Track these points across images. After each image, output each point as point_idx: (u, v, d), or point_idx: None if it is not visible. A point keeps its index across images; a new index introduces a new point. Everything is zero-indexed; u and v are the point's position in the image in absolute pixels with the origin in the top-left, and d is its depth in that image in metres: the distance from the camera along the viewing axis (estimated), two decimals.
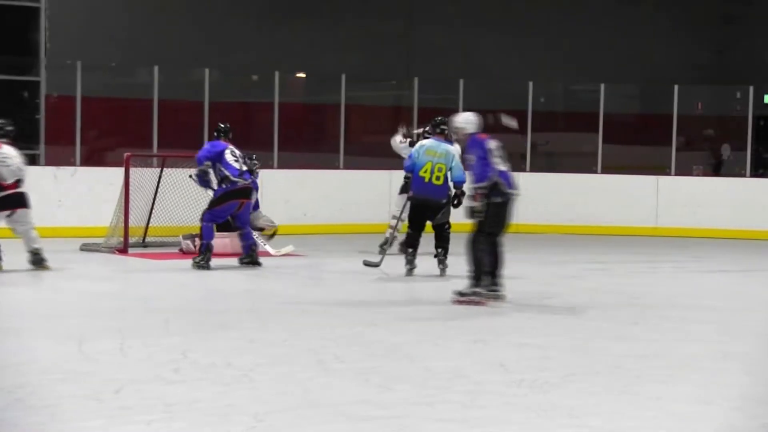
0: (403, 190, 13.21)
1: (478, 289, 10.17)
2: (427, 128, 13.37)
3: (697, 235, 18.22)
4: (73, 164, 16.49)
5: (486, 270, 10.15)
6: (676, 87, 19.18)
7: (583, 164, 19.34)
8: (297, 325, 9.03)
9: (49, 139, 17.29)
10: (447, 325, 9.18)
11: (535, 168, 19.12)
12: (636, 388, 6.95)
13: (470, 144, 10.26)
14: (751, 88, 19.23)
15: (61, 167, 16.19)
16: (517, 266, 14.03)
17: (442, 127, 12.43)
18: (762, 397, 6.97)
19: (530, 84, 19.18)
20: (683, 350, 8.36)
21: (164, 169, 14.67)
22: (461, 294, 10.21)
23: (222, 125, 13.32)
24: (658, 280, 13.00)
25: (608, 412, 6.29)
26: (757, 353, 8.53)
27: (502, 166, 10.16)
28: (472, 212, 10.15)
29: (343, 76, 18.34)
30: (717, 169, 20.45)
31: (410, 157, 12.45)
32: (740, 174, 19.37)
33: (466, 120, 10.50)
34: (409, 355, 7.81)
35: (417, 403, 6.37)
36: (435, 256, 12.64)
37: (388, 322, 9.29)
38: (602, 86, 19.27)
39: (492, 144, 10.19)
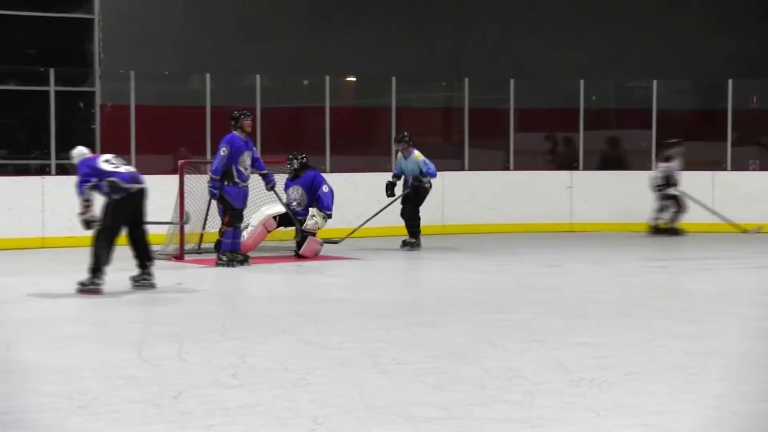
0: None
1: (96, 280, 10.92)
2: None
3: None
4: None
5: (103, 264, 10.93)
6: (729, 81, 19.02)
7: (636, 162, 19.21)
8: (353, 328, 9.05)
9: (105, 148, 17.41)
10: (502, 326, 9.16)
11: (588, 166, 19.02)
12: (696, 386, 6.91)
13: (80, 167, 11.21)
14: None
15: None
16: (571, 265, 14.02)
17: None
18: None
19: (581, 82, 19.09)
20: (743, 347, 8.29)
21: None
22: (82, 284, 10.95)
23: (234, 112, 13.48)
24: (716, 276, 12.90)
25: (668, 411, 6.25)
26: None
27: (121, 169, 11.17)
28: (86, 223, 11.11)
29: (394, 79, 18.36)
30: None
31: None
32: None
33: (78, 154, 11.39)
34: (466, 355, 7.80)
35: (476, 403, 6.36)
36: None
37: (443, 323, 9.28)
38: (654, 82, 19.13)
39: (101, 158, 11.34)
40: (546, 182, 18.74)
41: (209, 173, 13.36)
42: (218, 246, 13.62)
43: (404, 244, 15.61)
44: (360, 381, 6.93)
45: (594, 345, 8.19)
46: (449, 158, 19.15)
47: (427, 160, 15.66)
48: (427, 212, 16.61)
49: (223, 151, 13.15)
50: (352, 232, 15.61)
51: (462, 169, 18.76)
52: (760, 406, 6.40)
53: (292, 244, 14.64)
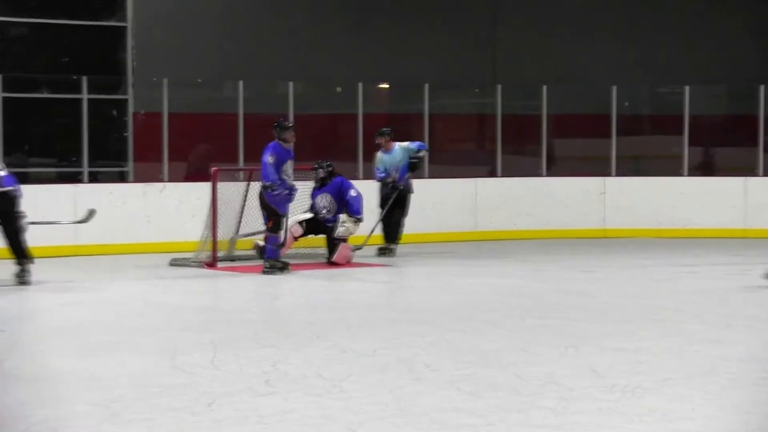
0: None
1: None
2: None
3: None
4: (161, 180, 16.68)
5: None
6: (762, 87, 18.93)
7: (669, 167, 19.14)
8: (386, 334, 9.05)
9: (138, 156, 17.52)
10: (536, 332, 9.14)
11: (621, 172, 18.97)
12: (732, 392, 6.87)
13: None
14: None
15: (150, 183, 16.37)
16: (604, 271, 13.98)
17: None
18: None
19: (614, 88, 19.04)
20: None
21: (250, 182, 14.78)
22: None
23: (280, 121, 13.64)
24: (750, 282, 12.81)
25: (704, 417, 6.23)
26: None
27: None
28: None
29: (426, 86, 18.36)
30: None
31: None
32: None
33: None
34: (500, 361, 7.79)
35: (510, 409, 6.35)
36: None
37: (477, 329, 9.28)
38: (687, 88, 19.07)
39: None
40: (578, 188, 18.67)
41: (262, 182, 13.35)
42: (262, 252, 13.65)
43: (381, 251, 15.42)
44: (394, 387, 6.93)
45: (629, 350, 8.16)
46: (482, 164, 19.15)
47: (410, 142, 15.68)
48: (459, 219, 16.60)
49: (269, 159, 13.20)
50: (368, 238, 15.41)
51: (495, 175, 18.74)
52: None
53: (325, 251, 14.66)
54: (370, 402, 6.54)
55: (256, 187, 14.17)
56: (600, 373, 7.34)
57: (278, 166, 13.24)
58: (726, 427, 6.04)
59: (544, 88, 18.99)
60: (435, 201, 17.49)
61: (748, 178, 18.67)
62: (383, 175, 15.54)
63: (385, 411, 6.34)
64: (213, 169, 14.80)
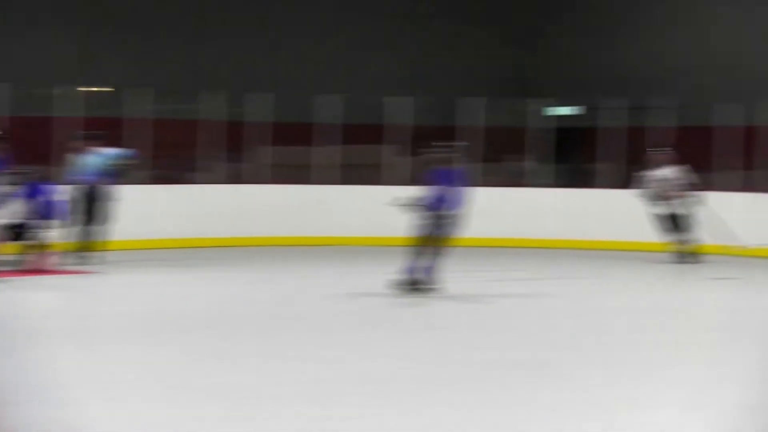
0: None
1: None
2: None
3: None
4: None
5: None
6: (467, 99, 19.44)
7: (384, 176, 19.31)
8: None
9: None
10: None
11: (334, 180, 18.93)
12: None
13: None
14: (537, 101, 19.80)
15: None
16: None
17: None
18: None
19: (318, 97, 19.05)
20: None
21: None
22: None
23: None
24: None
25: None
26: None
27: None
28: None
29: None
30: (517, 178, 20.71)
31: None
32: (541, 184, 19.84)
33: None
34: None
35: None
36: None
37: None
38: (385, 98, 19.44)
39: None
40: (280, 195, 18.53)
41: None
42: None
43: (79, 257, 14.62)
44: None
45: None
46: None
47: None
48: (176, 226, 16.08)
49: None
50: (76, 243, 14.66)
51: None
52: None
53: (18, 258, 13.87)
54: None
55: None
56: None
57: None
58: None
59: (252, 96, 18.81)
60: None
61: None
62: (78, 178, 14.92)
63: None
64: None
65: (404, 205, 11.80)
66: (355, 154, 19.51)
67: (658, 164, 16.32)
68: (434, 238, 11.77)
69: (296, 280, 14.18)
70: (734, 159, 18.38)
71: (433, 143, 12.37)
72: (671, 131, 18.56)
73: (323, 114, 19.31)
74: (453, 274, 12.12)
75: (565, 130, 21.04)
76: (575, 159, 21.20)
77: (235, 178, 18.99)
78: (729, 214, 16.64)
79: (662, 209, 16.18)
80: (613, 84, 21.59)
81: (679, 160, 16.29)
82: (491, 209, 18.70)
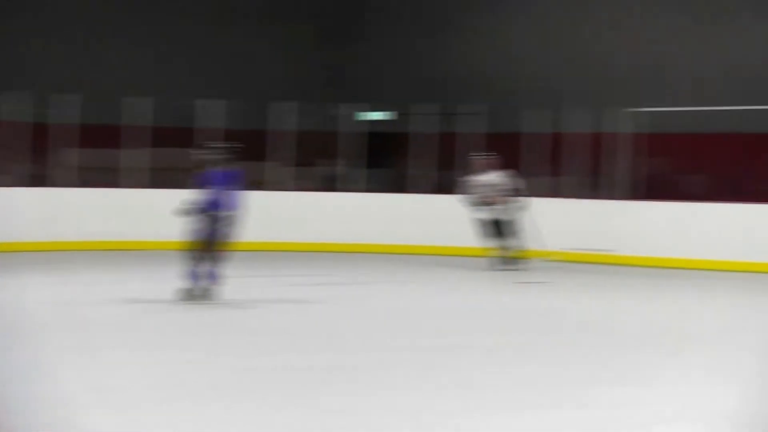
0: None
1: None
2: None
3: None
4: None
5: None
6: (273, 104, 19.28)
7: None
8: None
9: None
10: None
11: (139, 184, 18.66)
12: None
13: None
14: (348, 106, 19.77)
15: None
16: None
17: None
18: None
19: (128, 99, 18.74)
20: None
21: None
22: None
23: None
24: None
25: None
26: None
27: None
28: None
29: None
30: (327, 183, 20.93)
31: None
32: (350, 189, 19.93)
33: None
34: None
35: None
36: None
37: None
38: (200, 102, 19.24)
39: None
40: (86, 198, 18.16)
41: None
42: None
43: None
44: None
45: None
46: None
47: None
48: None
49: None
50: None
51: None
52: None
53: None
54: None
55: None
56: None
57: None
58: None
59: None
60: None
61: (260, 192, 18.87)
62: None
63: None
64: None
65: (184, 210, 11.53)
66: (164, 157, 19.21)
67: (483, 169, 16.22)
68: (212, 242, 11.49)
69: (76, 285, 13.72)
70: (541, 165, 18.71)
71: (207, 144, 12.14)
72: (482, 137, 18.80)
73: (132, 116, 18.96)
74: (256, 279, 11.99)
75: (377, 134, 21.19)
76: (388, 164, 21.35)
77: (40, 180, 18.50)
78: (540, 219, 16.99)
79: (486, 214, 16.12)
80: (427, 89, 21.87)
81: (503, 165, 16.30)
82: (304, 214, 18.82)
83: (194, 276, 11.53)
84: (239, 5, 23.16)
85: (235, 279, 12.01)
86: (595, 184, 18.69)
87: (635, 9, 21.13)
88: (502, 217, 16.06)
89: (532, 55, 21.68)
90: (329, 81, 23.16)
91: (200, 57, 22.35)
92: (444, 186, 18.30)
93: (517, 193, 16.17)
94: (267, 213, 17.30)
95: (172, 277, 11.70)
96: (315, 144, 20.37)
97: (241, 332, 10.19)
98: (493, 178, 16.14)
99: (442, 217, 18.26)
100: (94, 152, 19.13)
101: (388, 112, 22.10)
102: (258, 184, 18.98)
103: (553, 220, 17.48)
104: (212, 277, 11.58)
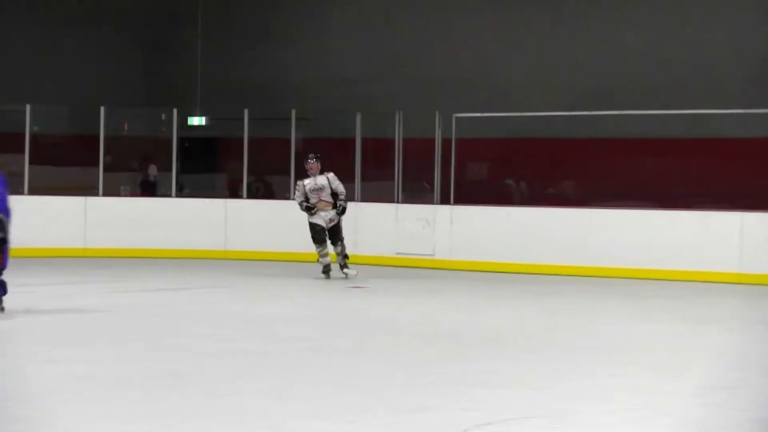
0: None
1: None
2: None
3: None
4: None
5: None
6: (102, 108, 19.20)
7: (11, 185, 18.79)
8: None
9: None
10: None
11: None
12: None
13: None
14: (175, 111, 19.68)
15: None
16: None
17: None
18: None
19: None
20: None
21: None
22: None
23: None
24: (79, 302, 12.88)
25: None
26: None
27: None
28: None
29: None
30: (145, 188, 20.93)
31: None
32: (167, 194, 19.82)
33: None
34: None
35: None
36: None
37: None
38: (28, 106, 18.99)
39: None
40: None
41: None
42: None
43: None
44: None
45: None
46: None
47: None
48: None
49: None
50: None
51: None
52: None
53: None
54: None
55: None
56: None
57: None
58: None
59: None
60: None
61: (88, 197, 19.03)
62: None
63: None
64: None
65: None
66: None
67: (313, 172, 16.17)
68: None
69: None
70: (364, 170, 19.16)
71: None
72: (306, 142, 19.15)
73: None
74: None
75: (194, 139, 21.30)
76: (204, 169, 21.44)
77: None
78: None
79: (316, 219, 16.05)
80: (250, 94, 22.00)
81: (331, 169, 16.31)
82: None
83: None
84: (68, 9, 22.94)
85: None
86: (416, 189, 19.16)
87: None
88: (331, 221, 16.07)
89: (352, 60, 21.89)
90: (155, 85, 23.09)
91: (33, 61, 22.15)
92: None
93: (345, 197, 16.23)
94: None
95: None
96: (137, 149, 20.40)
97: (31, 340, 10.24)
98: (323, 181, 16.15)
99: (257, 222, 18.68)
100: None
101: (205, 117, 21.89)
102: (87, 189, 19.04)
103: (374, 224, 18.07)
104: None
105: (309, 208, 16.06)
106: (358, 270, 16.25)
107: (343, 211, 16.13)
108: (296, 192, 16.34)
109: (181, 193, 20.15)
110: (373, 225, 18.37)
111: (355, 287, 15.25)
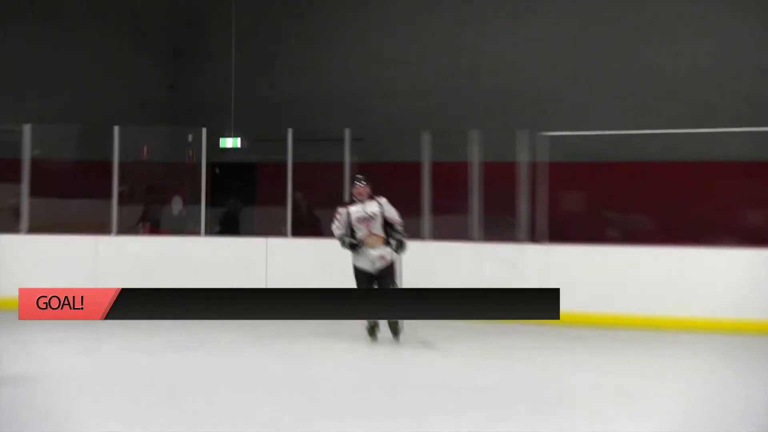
0: None
1: None
2: None
3: None
4: None
5: None
6: (116, 128, 16.93)
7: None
8: None
9: None
10: None
11: None
12: None
13: None
14: (204, 131, 17.35)
15: None
16: None
17: None
18: None
19: None
20: None
21: None
22: None
23: None
24: None
25: None
26: None
27: None
28: None
29: None
30: (167, 225, 18.99)
31: None
32: (195, 231, 17.45)
33: None
34: None
35: None
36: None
37: None
38: (26, 127, 17.05)
39: None
40: None
41: None
42: None
43: None
44: None
45: None
46: None
47: None
48: None
49: None
50: None
51: None
52: None
53: None
54: None
55: None
56: None
57: None
58: None
59: None
60: None
61: (99, 236, 16.92)
62: None
63: None
64: None
65: None
66: None
67: (361, 198, 13.16)
68: None
69: None
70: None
71: None
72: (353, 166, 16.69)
73: None
74: None
75: (227, 165, 20.07)
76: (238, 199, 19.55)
77: None
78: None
79: (360, 261, 13.01)
80: (288, 111, 20.70)
81: (383, 194, 13.34)
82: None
83: None
84: (81, 29, 21.58)
85: None
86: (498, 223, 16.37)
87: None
88: (382, 259, 12.94)
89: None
90: (176, 102, 21.87)
91: (40, 78, 20.81)
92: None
93: (401, 228, 13.08)
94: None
95: None
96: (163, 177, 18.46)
97: None
98: (372, 208, 13.11)
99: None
100: None
101: (239, 138, 20.39)
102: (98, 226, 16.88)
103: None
104: None
105: (354, 246, 12.98)
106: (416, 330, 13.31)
107: (400, 246, 12.99)
108: (336, 222, 13.24)
109: (212, 230, 17.94)
110: (446, 269, 15.36)
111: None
